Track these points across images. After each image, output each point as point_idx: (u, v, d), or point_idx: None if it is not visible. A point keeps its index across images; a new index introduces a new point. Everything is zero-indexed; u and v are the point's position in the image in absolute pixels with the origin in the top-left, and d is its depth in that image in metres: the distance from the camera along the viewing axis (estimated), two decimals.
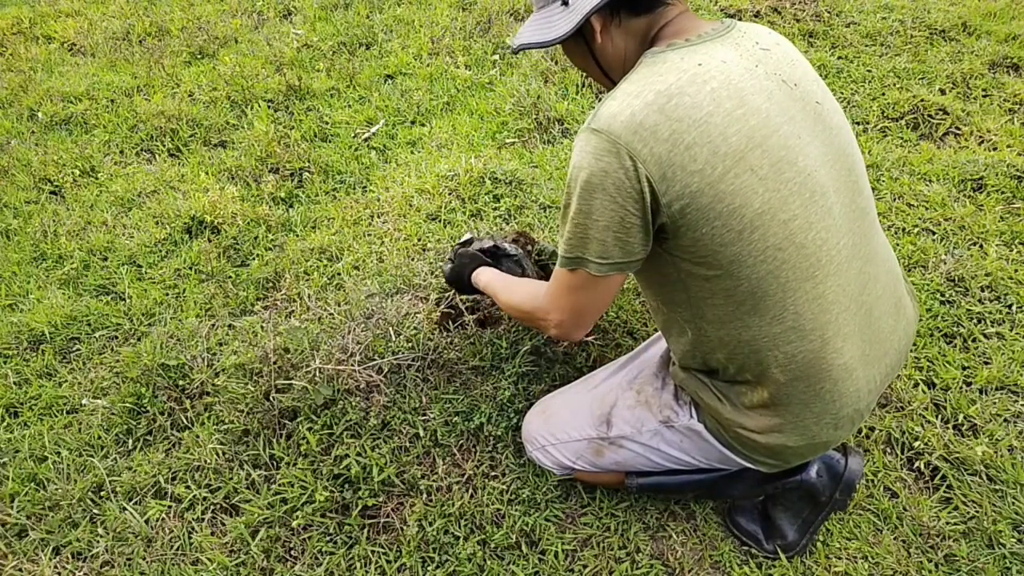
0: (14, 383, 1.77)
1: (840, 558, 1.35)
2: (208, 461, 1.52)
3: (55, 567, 1.39)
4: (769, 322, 1.01)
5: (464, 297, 1.75)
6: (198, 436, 1.58)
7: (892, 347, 1.13)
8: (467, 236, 1.67)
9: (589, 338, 1.70)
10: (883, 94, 2.54)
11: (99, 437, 1.62)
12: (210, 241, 2.17)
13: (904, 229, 2.01)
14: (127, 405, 1.66)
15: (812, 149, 0.99)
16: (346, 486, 1.45)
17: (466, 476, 1.48)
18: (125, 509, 1.47)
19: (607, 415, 1.31)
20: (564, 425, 1.38)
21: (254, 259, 2.10)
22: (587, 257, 1.01)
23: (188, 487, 1.49)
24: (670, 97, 0.92)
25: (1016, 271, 1.85)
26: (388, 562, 1.36)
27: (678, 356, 1.20)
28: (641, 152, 0.91)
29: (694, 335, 1.11)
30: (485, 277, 1.48)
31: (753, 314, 1.01)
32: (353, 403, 1.55)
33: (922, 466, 1.48)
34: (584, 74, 1.18)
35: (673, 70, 0.95)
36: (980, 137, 2.33)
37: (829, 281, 1.00)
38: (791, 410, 1.08)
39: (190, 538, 1.42)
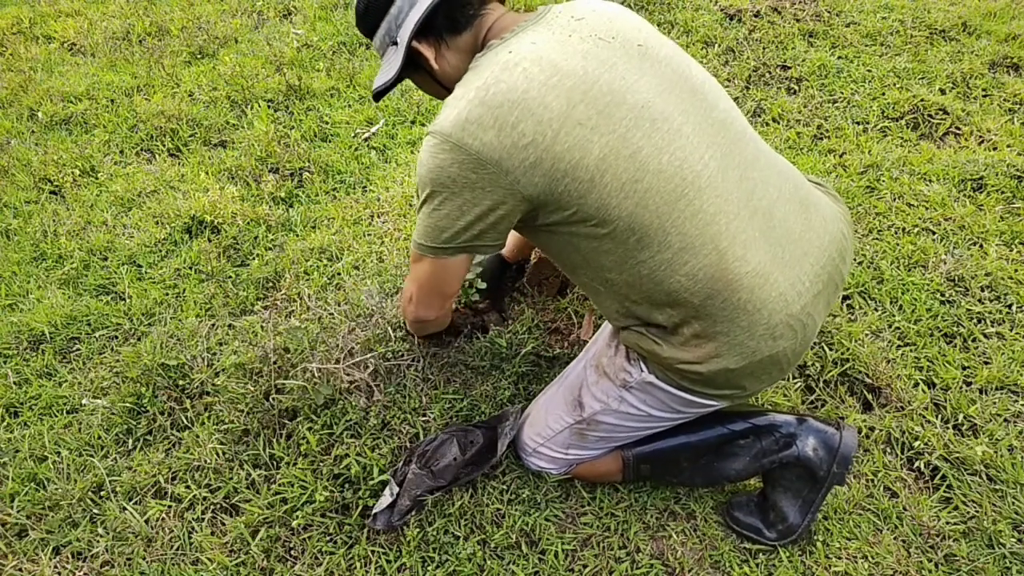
0: (14, 383, 1.77)
1: (840, 558, 1.35)
2: (208, 461, 1.52)
3: (55, 567, 1.39)
4: (659, 250, 1.05)
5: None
6: (198, 436, 1.58)
7: (812, 246, 1.13)
8: None
9: (589, 338, 1.70)
10: (883, 94, 2.54)
11: (99, 437, 1.62)
12: (210, 241, 2.17)
13: (904, 229, 2.01)
14: (127, 405, 1.66)
15: (643, 83, 1.05)
16: (346, 486, 1.45)
17: None
18: (125, 509, 1.47)
19: (578, 398, 1.33)
20: (545, 421, 1.40)
21: (254, 259, 2.10)
22: (427, 242, 1.13)
23: (188, 487, 1.49)
24: (487, 89, 1.01)
25: (1016, 271, 1.85)
26: (388, 562, 1.36)
27: (607, 316, 1.24)
28: (472, 145, 1.01)
29: (606, 288, 1.15)
30: None
31: (640, 248, 1.06)
32: (353, 403, 1.55)
33: (922, 466, 1.48)
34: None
35: (488, 65, 1.05)
36: (980, 137, 2.33)
37: (705, 195, 1.04)
38: (719, 330, 1.09)
39: (190, 538, 1.42)
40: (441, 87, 1.20)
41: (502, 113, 1.00)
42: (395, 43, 1.16)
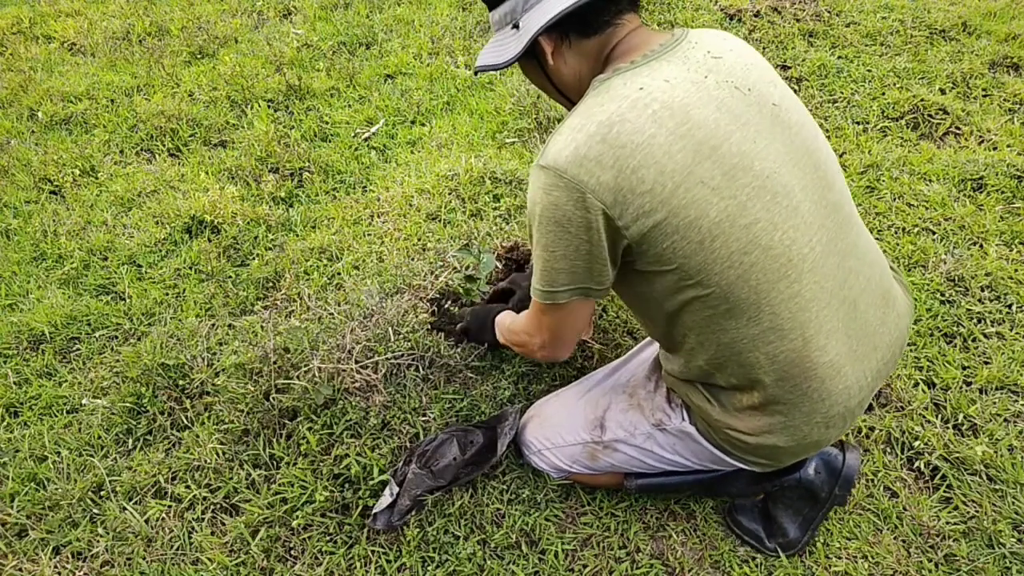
0: (14, 383, 1.77)
1: (840, 558, 1.35)
2: (208, 461, 1.52)
3: (55, 567, 1.39)
4: (746, 324, 1.02)
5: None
6: (198, 436, 1.58)
7: (883, 341, 1.12)
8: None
9: (590, 341, 1.70)
10: (883, 94, 2.54)
11: (99, 437, 1.62)
12: (210, 241, 2.17)
13: (904, 229, 2.01)
14: (127, 405, 1.66)
15: (772, 150, 1.00)
16: (346, 486, 1.45)
17: None
18: (125, 509, 1.47)
19: (601, 419, 1.32)
20: (559, 429, 1.38)
21: (254, 259, 2.10)
22: (548, 286, 1.06)
23: (188, 487, 1.49)
24: (611, 126, 0.94)
25: (1016, 271, 1.85)
26: (388, 562, 1.36)
27: (668, 366, 1.20)
28: (588, 183, 0.94)
29: (680, 341, 1.11)
30: (500, 322, 1.50)
31: (729, 317, 1.02)
32: (353, 403, 1.55)
33: (922, 466, 1.48)
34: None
35: (615, 98, 0.97)
36: (980, 137, 2.33)
37: (805, 279, 1.01)
38: (780, 410, 1.08)
39: (190, 538, 1.42)
40: (549, 83, 1.14)
41: (624, 155, 0.93)
42: (516, 27, 1.07)
